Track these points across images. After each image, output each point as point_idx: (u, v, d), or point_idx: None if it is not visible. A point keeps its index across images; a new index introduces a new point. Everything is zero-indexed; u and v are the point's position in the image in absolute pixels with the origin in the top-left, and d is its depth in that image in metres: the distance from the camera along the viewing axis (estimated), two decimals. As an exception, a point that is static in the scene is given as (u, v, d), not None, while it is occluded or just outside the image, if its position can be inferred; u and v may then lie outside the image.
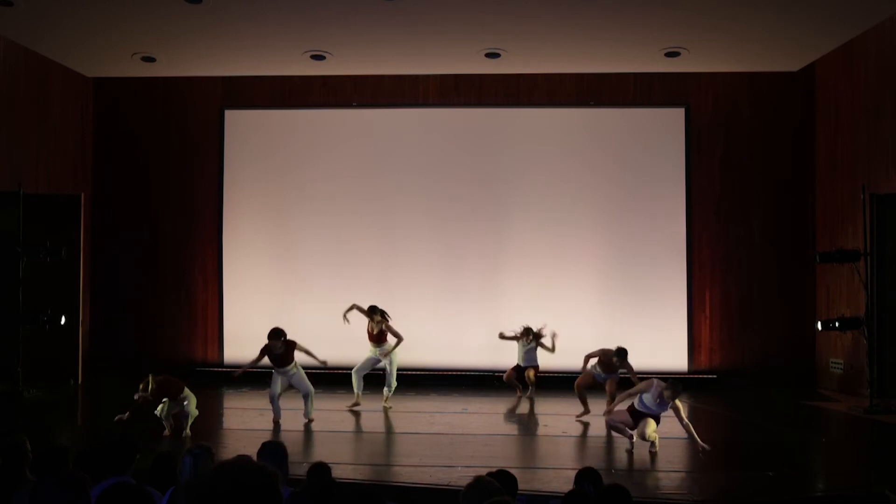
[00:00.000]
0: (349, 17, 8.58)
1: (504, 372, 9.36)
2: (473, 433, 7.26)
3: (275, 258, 10.82)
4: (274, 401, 7.68)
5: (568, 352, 9.24)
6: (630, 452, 6.46)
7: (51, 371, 9.76)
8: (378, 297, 9.97)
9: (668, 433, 6.76)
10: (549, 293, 10.33)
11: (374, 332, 8.49)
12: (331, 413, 8.12)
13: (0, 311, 9.09)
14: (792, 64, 10.18)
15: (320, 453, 6.62)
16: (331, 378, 8.95)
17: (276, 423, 7.59)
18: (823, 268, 9.85)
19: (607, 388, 7.87)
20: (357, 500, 3.30)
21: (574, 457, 6.68)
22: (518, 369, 9.15)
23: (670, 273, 10.39)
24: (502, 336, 9.23)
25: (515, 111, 10.67)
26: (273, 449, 4.11)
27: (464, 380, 10.13)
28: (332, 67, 10.39)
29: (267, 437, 6.80)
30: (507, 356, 9.37)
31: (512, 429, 7.88)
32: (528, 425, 8.03)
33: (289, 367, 7.70)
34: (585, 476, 4.20)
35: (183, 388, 7.08)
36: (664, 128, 10.54)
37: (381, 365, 8.59)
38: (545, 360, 9.19)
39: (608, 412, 6.97)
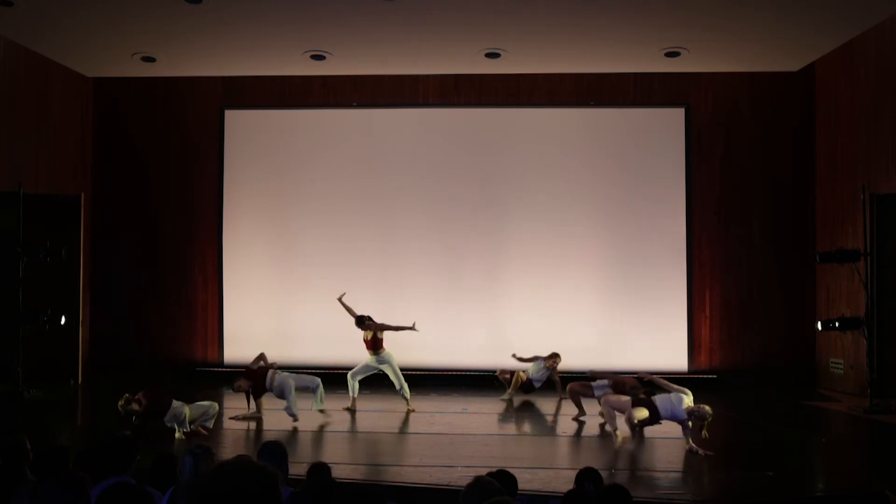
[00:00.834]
0: (349, 17, 8.58)
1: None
2: (473, 433, 7.26)
3: (275, 258, 10.81)
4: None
5: (568, 352, 9.28)
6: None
7: (51, 371, 9.76)
8: (378, 296, 10.00)
9: (668, 433, 6.79)
10: (548, 293, 10.34)
11: (369, 339, 8.49)
12: (331, 413, 8.12)
13: (0, 311, 9.09)
14: (792, 64, 10.18)
15: (320, 453, 6.64)
16: (331, 378, 8.94)
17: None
18: (823, 268, 9.85)
19: (602, 402, 7.79)
20: (357, 500, 3.30)
21: (574, 457, 6.68)
22: (528, 383, 9.14)
23: (670, 273, 10.39)
24: (517, 358, 9.23)
25: (515, 111, 10.66)
26: (273, 449, 4.12)
27: (464, 380, 10.14)
28: (332, 67, 10.39)
29: (267, 437, 6.81)
30: (507, 356, 9.37)
31: (512, 429, 7.87)
32: (528, 425, 8.03)
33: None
34: (586, 476, 4.20)
35: (170, 398, 6.94)
36: (664, 128, 10.53)
37: (380, 372, 8.58)
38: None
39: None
